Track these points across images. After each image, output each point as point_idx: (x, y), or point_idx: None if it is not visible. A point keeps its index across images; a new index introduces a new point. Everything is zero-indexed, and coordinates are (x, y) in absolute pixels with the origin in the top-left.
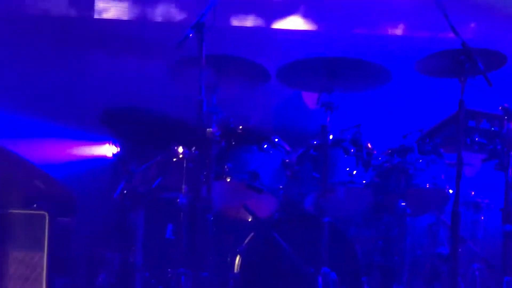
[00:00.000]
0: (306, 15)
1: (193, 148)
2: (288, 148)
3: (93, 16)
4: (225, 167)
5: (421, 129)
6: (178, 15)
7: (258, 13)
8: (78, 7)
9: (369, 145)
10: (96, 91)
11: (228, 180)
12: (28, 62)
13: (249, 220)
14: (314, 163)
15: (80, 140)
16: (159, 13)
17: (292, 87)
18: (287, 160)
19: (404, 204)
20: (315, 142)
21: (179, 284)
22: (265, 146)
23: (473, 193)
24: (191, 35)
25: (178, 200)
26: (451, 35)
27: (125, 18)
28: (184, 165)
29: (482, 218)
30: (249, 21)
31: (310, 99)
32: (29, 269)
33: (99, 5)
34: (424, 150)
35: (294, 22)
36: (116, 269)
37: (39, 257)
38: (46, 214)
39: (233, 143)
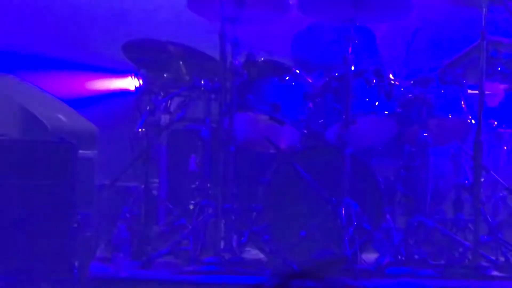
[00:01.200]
0: None
1: (215, 80)
2: (309, 79)
3: None
4: (247, 99)
5: (443, 59)
6: None
7: None
8: None
9: (391, 76)
10: (118, 23)
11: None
12: None
13: (271, 151)
14: (335, 94)
15: (102, 73)
16: None
17: (313, 17)
18: (308, 92)
19: (426, 134)
20: (336, 74)
21: (202, 216)
22: (287, 77)
23: (495, 122)
24: None
25: (200, 132)
26: None
27: None
28: (206, 97)
29: (505, 148)
30: None
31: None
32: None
33: None
34: (446, 80)
35: None
36: (139, 201)
37: (64, 187)
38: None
39: (255, 75)
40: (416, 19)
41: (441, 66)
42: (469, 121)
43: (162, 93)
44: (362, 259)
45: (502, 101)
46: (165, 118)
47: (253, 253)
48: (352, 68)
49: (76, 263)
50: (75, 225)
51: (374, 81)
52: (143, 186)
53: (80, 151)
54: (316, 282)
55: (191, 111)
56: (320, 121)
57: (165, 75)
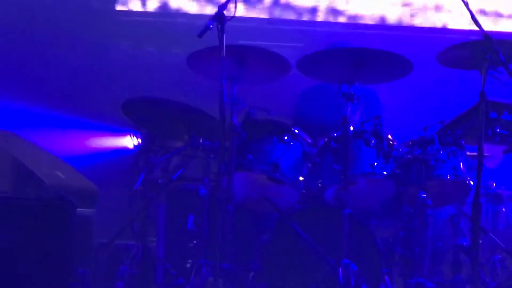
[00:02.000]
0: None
1: (214, 139)
2: (308, 139)
3: (115, 7)
4: (246, 158)
5: (442, 121)
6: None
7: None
8: None
9: (390, 137)
10: (118, 82)
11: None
12: (50, 53)
13: (270, 211)
14: (334, 155)
15: (101, 132)
16: (180, 3)
17: (313, 78)
18: (307, 152)
19: (425, 195)
20: (335, 134)
21: (199, 275)
22: (286, 137)
23: (494, 184)
24: (211, 25)
25: (199, 191)
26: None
27: (146, 9)
28: (205, 156)
29: (504, 209)
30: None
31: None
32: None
33: None
34: (445, 142)
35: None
36: (137, 260)
37: (62, 245)
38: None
39: (254, 134)
40: (416, 79)
41: (441, 127)
42: (468, 182)
43: (161, 152)
44: None
45: (501, 163)
46: (163, 177)
47: None
48: (351, 128)
49: None
50: (74, 283)
51: (373, 142)
52: (141, 245)
53: (79, 209)
54: None
55: (189, 170)
56: (318, 182)
57: (164, 134)
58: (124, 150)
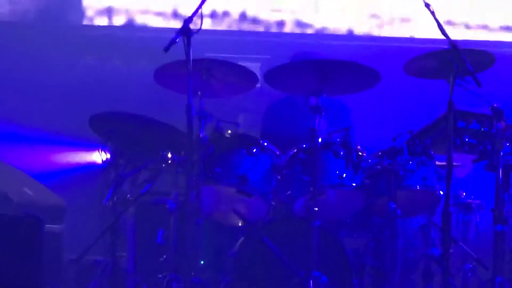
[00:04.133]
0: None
1: (182, 153)
2: (277, 151)
3: (82, 22)
4: (214, 172)
5: (410, 131)
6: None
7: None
8: (67, 13)
9: (359, 148)
10: (85, 97)
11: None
12: (16, 68)
13: (239, 224)
14: (303, 166)
15: (69, 147)
16: (146, 18)
17: (280, 90)
18: (276, 164)
19: (394, 206)
20: (304, 145)
21: None
22: (254, 150)
23: (464, 194)
24: (178, 39)
25: (168, 206)
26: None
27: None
28: (173, 170)
29: (474, 218)
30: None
31: None
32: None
33: (88, 11)
34: (414, 152)
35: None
36: (107, 275)
37: (31, 262)
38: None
39: (222, 147)
40: (384, 90)
41: (409, 137)
42: (437, 192)
43: (129, 167)
44: None
45: (470, 172)
46: (132, 192)
47: None
48: (320, 140)
49: None
50: None
51: (342, 153)
52: (111, 260)
53: (47, 226)
54: None
55: (158, 185)
56: (288, 193)
57: (132, 149)
58: (92, 165)
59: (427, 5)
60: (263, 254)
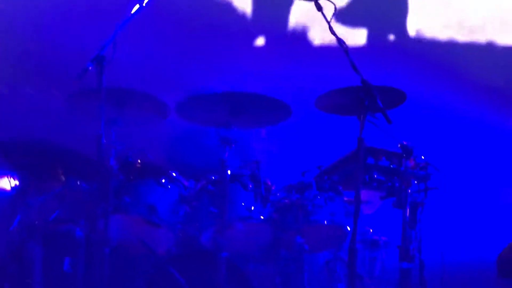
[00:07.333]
0: None
1: (92, 181)
2: (186, 183)
3: None
4: (123, 200)
5: (320, 166)
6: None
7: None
8: None
9: (268, 181)
10: None
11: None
12: None
13: (147, 254)
14: (212, 198)
15: None
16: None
17: (191, 121)
18: (185, 195)
19: (302, 240)
20: (213, 177)
21: None
22: (163, 180)
23: (371, 230)
24: (90, 67)
25: (75, 233)
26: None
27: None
28: (82, 198)
29: (380, 255)
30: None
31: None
32: None
33: None
34: (322, 187)
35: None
36: None
37: None
38: None
39: (131, 177)
40: (296, 124)
41: (318, 172)
42: (345, 228)
43: (38, 194)
44: None
45: (378, 209)
46: (40, 219)
47: None
48: (229, 172)
49: None
50: None
51: (250, 186)
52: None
53: None
54: None
55: (66, 212)
56: (196, 225)
57: (41, 176)
58: (0, 192)
59: (344, 48)
60: (170, 285)
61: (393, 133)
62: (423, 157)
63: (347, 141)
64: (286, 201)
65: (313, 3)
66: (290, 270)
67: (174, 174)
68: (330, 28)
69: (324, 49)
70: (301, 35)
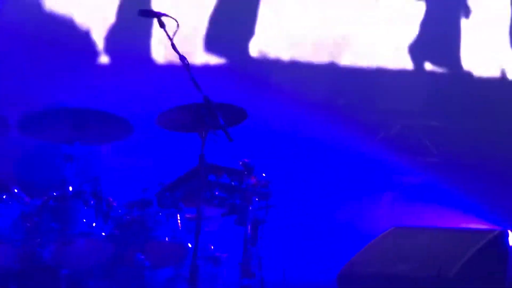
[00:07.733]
0: None
1: None
2: (27, 199)
3: None
4: None
5: (161, 183)
6: None
7: None
8: None
9: (110, 198)
10: None
11: None
12: None
13: None
14: (53, 214)
15: None
16: None
17: (33, 137)
18: (26, 211)
19: (142, 257)
20: (55, 193)
21: None
22: (4, 196)
23: (212, 247)
24: None
25: None
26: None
27: None
28: None
29: (221, 272)
30: None
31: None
32: None
33: None
34: (164, 204)
35: None
36: None
37: None
38: None
39: None
40: (138, 140)
41: (160, 189)
42: (186, 244)
43: None
44: None
45: (220, 226)
46: None
47: None
48: (70, 188)
49: None
50: None
51: (92, 202)
52: None
53: None
54: None
55: None
56: (37, 241)
57: None
58: None
59: (183, 58)
60: None
61: (235, 151)
62: (264, 175)
63: (188, 158)
64: (128, 217)
65: (155, 19)
66: (130, 287)
67: (16, 191)
68: (173, 45)
69: (167, 67)
70: (145, 53)
